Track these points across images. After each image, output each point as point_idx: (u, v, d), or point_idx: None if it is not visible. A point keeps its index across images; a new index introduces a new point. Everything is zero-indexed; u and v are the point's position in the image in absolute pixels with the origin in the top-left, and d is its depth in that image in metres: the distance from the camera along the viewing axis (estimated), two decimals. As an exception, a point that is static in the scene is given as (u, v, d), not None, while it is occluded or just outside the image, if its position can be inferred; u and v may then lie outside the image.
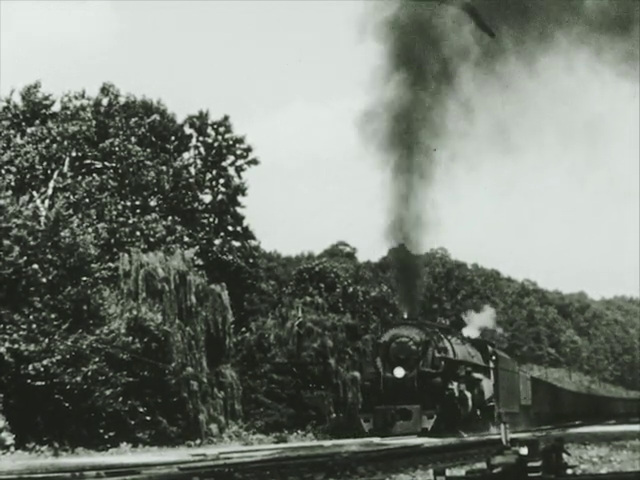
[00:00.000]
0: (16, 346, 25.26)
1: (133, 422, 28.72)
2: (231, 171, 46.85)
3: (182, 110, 50.75)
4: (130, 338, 29.13)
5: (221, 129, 46.82)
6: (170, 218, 40.71)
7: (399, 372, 32.39)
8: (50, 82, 46.35)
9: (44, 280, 26.95)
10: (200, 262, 38.92)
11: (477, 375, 37.43)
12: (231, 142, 46.72)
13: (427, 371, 32.62)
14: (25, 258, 26.67)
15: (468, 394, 34.91)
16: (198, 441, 30.98)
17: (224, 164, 46.78)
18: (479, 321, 60.23)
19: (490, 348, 42.79)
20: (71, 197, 35.82)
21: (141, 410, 29.14)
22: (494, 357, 42.03)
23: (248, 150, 46.68)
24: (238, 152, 46.76)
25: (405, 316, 35.36)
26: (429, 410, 31.75)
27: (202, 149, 46.70)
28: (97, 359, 27.15)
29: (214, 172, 46.66)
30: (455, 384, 33.85)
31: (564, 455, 12.09)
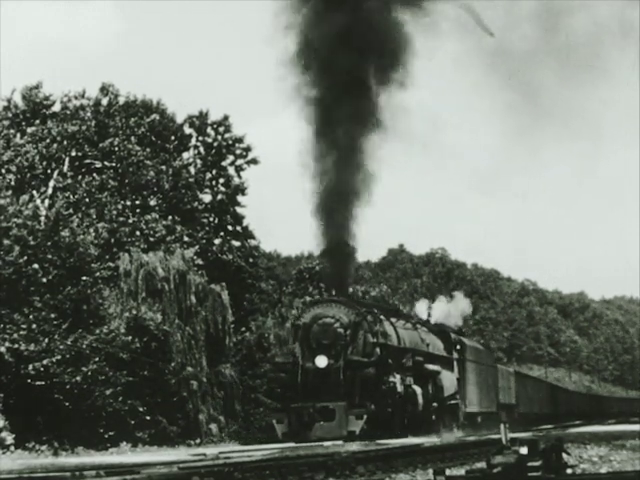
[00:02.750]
0: (16, 346, 25.27)
1: (133, 422, 28.72)
2: (231, 171, 46.87)
3: (182, 110, 50.81)
4: (130, 338, 29.13)
5: (221, 129, 46.83)
6: (170, 218, 40.70)
7: (321, 361, 25.95)
8: (51, 82, 46.43)
9: (44, 280, 26.96)
10: (200, 262, 38.88)
11: (432, 367, 31.42)
12: (231, 142, 46.72)
13: (357, 360, 26.19)
14: (25, 258, 26.68)
15: (417, 389, 28.99)
16: (198, 441, 31.00)
17: (224, 164, 46.79)
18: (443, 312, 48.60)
19: (454, 336, 36.80)
20: (71, 197, 35.84)
21: (141, 410, 29.14)
22: (459, 346, 36.32)
23: (248, 150, 46.68)
24: (238, 152, 46.77)
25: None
26: (358, 409, 25.43)
27: (202, 149, 46.70)
28: (97, 359, 27.16)
29: (214, 172, 46.65)
30: (398, 377, 27.65)
31: (564, 455, 12.10)
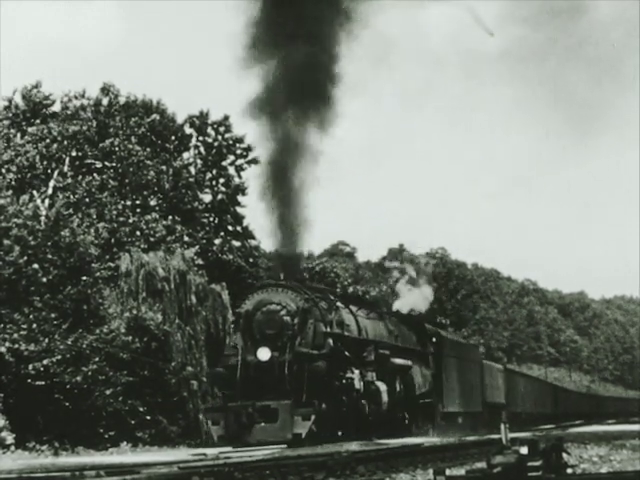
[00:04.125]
0: (16, 346, 25.29)
1: (133, 422, 28.73)
2: (231, 171, 46.91)
3: (182, 110, 50.82)
4: (130, 338, 29.16)
5: (221, 129, 46.87)
6: (170, 218, 40.72)
7: (264, 354, 22.60)
8: (52, 82, 46.39)
9: (44, 280, 26.98)
10: (200, 262, 38.91)
11: (401, 361, 28.18)
12: (231, 142, 46.76)
13: (305, 352, 22.82)
14: (25, 258, 26.70)
15: (382, 386, 25.78)
16: (198, 441, 31.01)
17: (224, 164, 46.83)
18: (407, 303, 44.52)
19: (429, 327, 33.38)
20: (71, 197, 35.85)
21: (141, 410, 29.15)
22: (435, 339, 32.86)
23: (248, 150, 46.72)
24: (238, 152, 46.82)
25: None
26: (305, 408, 21.95)
27: (202, 149, 46.74)
28: (97, 359, 27.18)
29: (214, 172, 46.69)
30: (357, 372, 24.45)
31: (564, 454, 12.10)
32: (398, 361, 27.92)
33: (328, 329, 23.86)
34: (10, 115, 38.15)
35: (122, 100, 41.75)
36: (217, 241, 45.13)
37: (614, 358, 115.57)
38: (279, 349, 22.80)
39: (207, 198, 46.02)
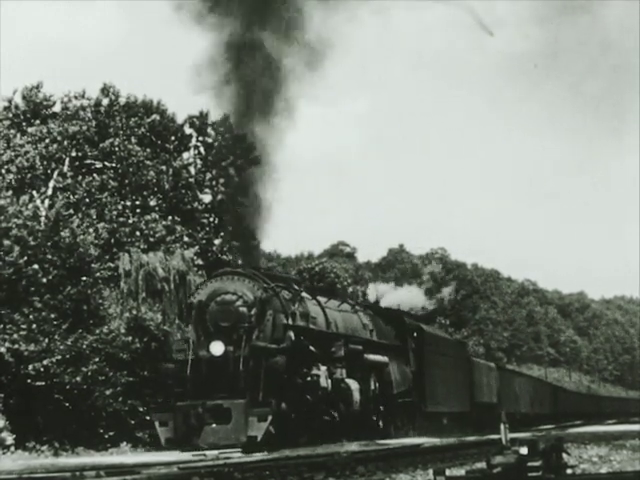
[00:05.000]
0: (16, 346, 25.29)
1: (133, 422, 28.72)
2: (231, 171, 46.85)
3: (182, 110, 50.78)
4: (130, 338, 29.15)
5: (221, 129, 46.85)
6: (170, 218, 40.70)
7: (217, 348, 20.68)
8: (52, 82, 46.39)
9: (44, 280, 26.97)
10: (200, 262, 38.90)
11: (375, 357, 26.18)
12: (231, 142, 46.73)
13: (263, 346, 20.87)
14: (25, 258, 26.70)
15: (353, 384, 23.73)
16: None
17: (224, 164, 46.81)
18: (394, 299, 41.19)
19: (410, 322, 31.00)
20: (71, 197, 35.84)
21: (141, 410, 29.13)
22: (416, 334, 30.67)
23: (248, 150, 46.69)
24: (238, 152, 46.77)
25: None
26: (261, 408, 19.85)
27: (202, 149, 46.74)
28: (97, 359, 27.17)
29: (214, 172, 46.68)
30: (323, 369, 22.40)
31: (564, 455, 12.11)
32: (372, 357, 25.91)
33: (290, 321, 21.82)
34: (10, 115, 38.14)
35: (122, 100, 41.75)
36: (217, 241, 45.12)
37: (614, 358, 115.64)
38: (234, 343, 20.80)
39: (207, 198, 46.04)
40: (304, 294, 23.67)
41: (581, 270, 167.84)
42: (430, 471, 13.71)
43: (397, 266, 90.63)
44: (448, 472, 11.71)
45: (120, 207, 38.35)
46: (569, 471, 12.06)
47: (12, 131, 37.29)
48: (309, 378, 21.91)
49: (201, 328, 21.49)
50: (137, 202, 40.28)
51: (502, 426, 12.38)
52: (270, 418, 19.71)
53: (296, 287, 23.70)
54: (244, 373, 20.42)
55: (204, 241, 43.26)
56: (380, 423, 26.59)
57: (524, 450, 11.10)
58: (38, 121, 37.93)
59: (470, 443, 22.50)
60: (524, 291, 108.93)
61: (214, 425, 19.94)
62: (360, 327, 26.51)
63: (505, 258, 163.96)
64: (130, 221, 38.11)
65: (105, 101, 41.04)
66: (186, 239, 40.79)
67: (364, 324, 26.90)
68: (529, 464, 10.94)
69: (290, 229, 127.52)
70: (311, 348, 22.11)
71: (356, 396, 23.74)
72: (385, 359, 27.04)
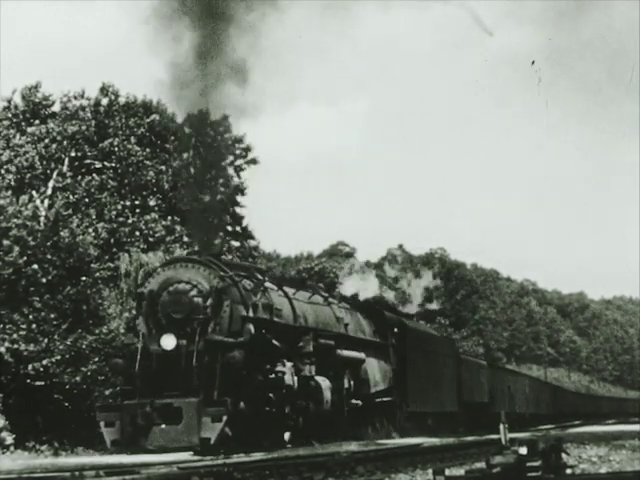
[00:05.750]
0: (15, 346, 25.30)
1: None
2: (230, 171, 46.92)
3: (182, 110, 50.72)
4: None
5: (220, 129, 46.85)
6: (169, 218, 40.71)
7: (169, 341, 19.11)
8: (53, 82, 46.43)
9: (43, 280, 26.98)
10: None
11: (350, 354, 24.41)
12: (230, 142, 46.77)
13: (219, 340, 19.30)
14: (25, 258, 26.70)
15: (323, 382, 22.00)
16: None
17: (223, 164, 46.83)
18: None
19: (390, 316, 29.11)
20: (70, 197, 35.85)
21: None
22: (397, 329, 28.80)
23: (247, 150, 46.76)
24: (237, 152, 46.85)
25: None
26: (216, 407, 18.28)
27: (201, 149, 46.73)
28: (97, 359, 27.17)
29: (213, 172, 46.68)
30: (289, 365, 20.71)
31: (563, 455, 12.12)
32: (346, 353, 24.14)
33: (251, 313, 20.15)
34: (9, 115, 38.15)
35: (122, 100, 41.76)
36: (216, 241, 45.13)
37: (613, 358, 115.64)
38: (188, 336, 19.24)
39: (206, 198, 46.03)
40: (268, 284, 21.84)
41: (581, 270, 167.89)
42: (429, 471, 13.73)
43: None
44: (447, 472, 11.72)
45: (119, 207, 38.34)
46: (568, 471, 12.07)
47: (11, 131, 37.30)
48: (273, 375, 20.18)
49: (152, 320, 19.80)
50: (137, 202, 40.28)
51: (502, 426, 12.38)
52: (225, 418, 18.14)
53: (259, 276, 21.86)
54: (197, 369, 18.91)
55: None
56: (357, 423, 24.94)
57: (523, 450, 11.10)
58: (37, 121, 37.94)
59: (470, 443, 22.50)
60: (523, 291, 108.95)
61: (163, 426, 18.34)
62: (333, 321, 24.64)
63: (505, 258, 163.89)
64: (130, 221, 38.11)
65: (104, 101, 41.06)
66: (186, 239, 40.79)
67: (338, 317, 25.06)
68: (528, 464, 10.95)
69: (290, 229, 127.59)
70: (275, 342, 20.36)
71: (327, 395, 22.00)
72: (361, 355, 25.31)
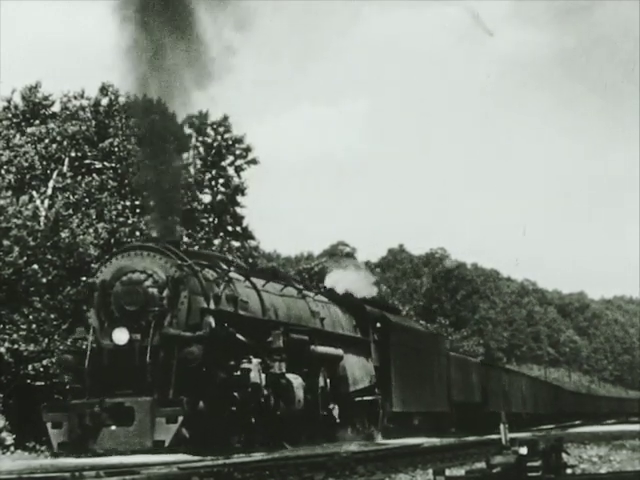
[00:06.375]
0: (16, 346, 25.31)
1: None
2: (230, 171, 46.96)
3: (182, 110, 50.80)
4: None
5: (220, 129, 46.91)
6: (169, 218, 40.71)
7: (121, 336, 17.68)
8: (53, 82, 46.38)
9: (44, 280, 26.98)
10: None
11: (325, 350, 22.63)
12: (230, 142, 46.80)
13: (175, 334, 17.84)
14: (25, 258, 26.71)
15: (295, 380, 20.25)
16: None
17: (223, 164, 46.88)
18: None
19: (371, 310, 27.35)
20: (71, 197, 35.82)
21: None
22: (379, 324, 27.25)
23: (247, 150, 46.79)
24: (237, 152, 46.87)
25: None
26: (171, 407, 16.88)
27: (202, 149, 46.78)
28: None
29: (214, 172, 46.73)
30: (255, 362, 18.91)
31: (564, 455, 12.12)
32: (322, 349, 22.41)
33: (212, 305, 18.63)
34: (9, 115, 38.15)
35: (122, 100, 41.77)
36: (217, 241, 45.13)
37: (614, 358, 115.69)
38: (142, 330, 17.81)
39: (206, 198, 46.06)
40: (234, 274, 20.27)
41: (581, 270, 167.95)
42: (430, 471, 13.72)
43: (397, 266, 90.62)
44: (448, 472, 11.72)
45: (120, 207, 38.34)
46: (569, 471, 12.08)
47: (11, 131, 37.29)
48: (238, 372, 18.57)
49: (104, 313, 18.35)
50: (137, 202, 40.29)
51: (502, 426, 12.38)
52: (181, 419, 16.74)
53: (224, 267, 20.26)
54: (152, 366, 17.44)
55: (204, 241, 43.27)
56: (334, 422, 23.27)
57: (524, 450, 11.10)
58: (37, 121, 37.93)
59: (470, 443, 22.51)
60: (524, 291, 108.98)
61: (113, 427, 17.01)
62: (307, 315, 23.00)
63: (505, 258, 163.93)
64: (130, 221, 38.10)
65: (104, 101, 41.07)
66: (186, 239, 40.81)
67: (313, 311, 23.39)
68: (529, 464, 10.95)
69: (290, 229, 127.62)
70: (239, 337, 18.72)
71: (299, 393, 20.32)
72: (339, 352, 23.59)
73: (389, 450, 18.59)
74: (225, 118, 46.96)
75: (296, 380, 20.44)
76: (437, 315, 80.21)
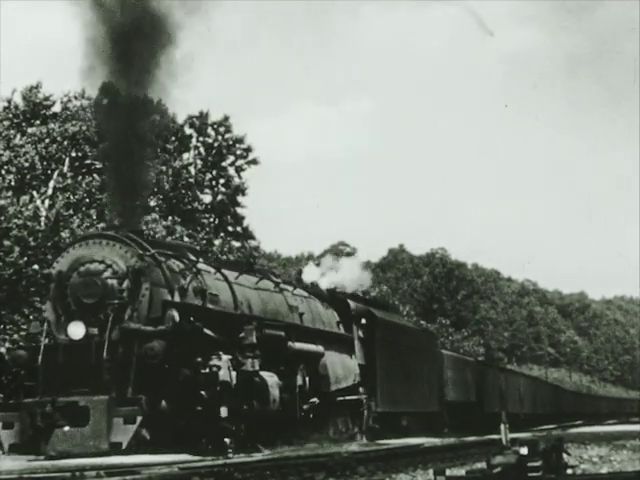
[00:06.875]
0: (16, 347, 25.32)
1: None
2: (231, 171, 46.98)
3: (182, 110, 50.84)
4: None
5: (221, 129, 46.92)
6: (170, 218, 40.73)
7: (76, 330, 16.51)
8: (54, 82, 46.42)
9: (44, 280, 26.99)
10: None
11: (303, 346, 21.21)
12: (231, 142, 46.81)
13: (135, 329, 16.73)
14: (25, 258, 26.72)
15: (270, 378, 18.86)
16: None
17: (224, 164, 46.90)
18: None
19: (354, 305, 25.89)
20: (71, 197, 35.86)
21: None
22: (364, 320, 25.91)
23: (248, 150, 46.81)
24: (238, 152, 46.88)
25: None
26: (129, 407, 15.80)
27: (202, 149, 46.79)
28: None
29: (214, 172, 46.74)
30: (225, 358, 17.49)
31: (564, 455, 12.12)
32: (300, 346, 21.04)
33: (177, 298, 17.50)
34: (10, 116, 38.17)
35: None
36: (217, 242, 45.15)
37: (614, 359, 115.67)
38: (100, 324, 16.62)
39: (207, 199, 46.09)
40: (203, 266, 19.08)
41: (581, 270, 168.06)
42: (430, 471, 13.72)
43: (397, 266, 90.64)
44: (448, 472, 11.71)
45: (120, 207, 38.35)
46: (569, 471, 12.08)
47: (12, 131, 37.31)
48: (206, 370, 17.24)
49: (60, 306, 17.19)
50: (137, 202, 40.31)
51: (502, 426, 12.38)
52: (140, 419, 15.68)
53: (191, 257, 19.00)
54: (109, 362, 16.23)
55: (204, 241, 43.29)
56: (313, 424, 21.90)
57: (524, 450, 11.10)
58: (38, 121, 37.96)
59: (470, 443, 22.51)
60: (524, 291, 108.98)
61: (67, 428, 15.93)
62: (285, 309, 21.69)
63: (505, 258, 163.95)
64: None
65: (105, 101, 41.07)
66: (186, 239, 40.83)
67: (291, 306, 22.04)
68: (529, 464, 10.95)
69: (290, 229, 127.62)
70: (208, 332, 17.49)
71: (274, 392, 18.93)
72: (319, 349, 22.21)
73: (390, 450, 18.59)
74: (226, 118, 47.00)
75: (271, 378, 19.08)
76: (437, 315, 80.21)
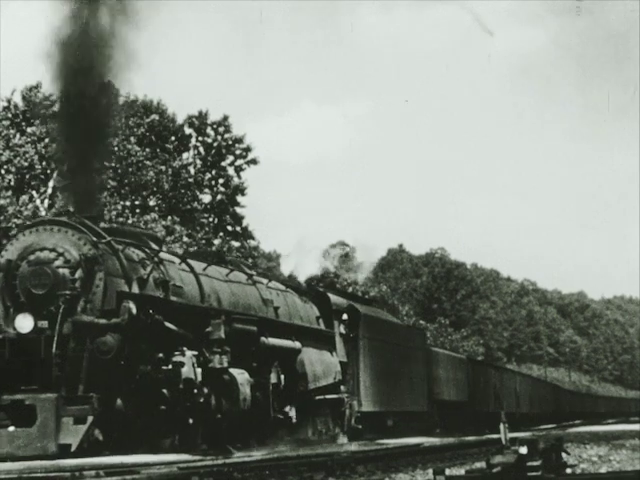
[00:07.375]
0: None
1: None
2: (230, 171, 47.00)
3: (182, 110, 50.89)
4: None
5: (220, 129, 46.94)
6: (169, 218, 40.74)
7: (24, 323, 15.44)
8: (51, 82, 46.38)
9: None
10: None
11: (278, 342, 20.07)
12: (230, 142, 46.83)
13: (88, 322, 15.43)
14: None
15: (240, 376, 17.86)
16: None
17: (223, 164, 46.91)
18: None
19: (335, 299, 24.62)
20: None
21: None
22: (346, 316, 24.63)
23: (247, 150, 46.83)
24: (237, 152, 46.89)
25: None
26: (79, 406, 14.79)
27: (202, 149, 46.80)
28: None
29: (213, 172, 46.76)
30: (189, 354, 16.42)
31: (564, 454, 12.13)
32: (274, 341, 19.85)
33: (135, 289, 16.14)
34: (9, 115, 38.18)
35: (121, 100, 41.79)
36: (216, 241, 45.16)
37: (614, 358, 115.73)
38: (51, 317, 15.45)
39: (206, 198, 46.11)
40: (166, 255, 17.99)
41: (581, 270, 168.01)
42: (430, 471, 13.72)
43: (397, 266, 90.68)
44: (448, 472, 11.70)
45: (120, 207, 38.38)
46: (569, 471, 12.08)
47: (11, 131, 37.33)
48: (169, 366, 16.21)
49: (9, 297, 15.90)
50: (136, 202, 40.32)
51: (502, 426, 12.38)
52: (91, 419, 14.75)
53: (153, 246, 17.69)
54: (59, 358, 15.10)
55: (203, 241, 43.31)
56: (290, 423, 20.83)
57: (524, 450, 11.09)
58: (37, 121, 37.98)
59: (470, 443, 22.51)
60: (524, 291, 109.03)
61: (11, 428, 14.88)
62: (258, 303, 20.37)
63: (505, 258, 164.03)
64: (130, 221, 38.16)
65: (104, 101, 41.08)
66: (185, 239, 40.84)
67: (265, 299, 20.74)
68: (529, 464, 10.94)
69: (290, 229, 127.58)
70: (170, 326, 16.30)
71: (244, 391, 17.89)
72: (296, 345, 21.02)
73: (389, 450, 18.60)
74: (225, 118, 47.02)
75: (241, 376, 18.01)
76: (437, 315, 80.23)
